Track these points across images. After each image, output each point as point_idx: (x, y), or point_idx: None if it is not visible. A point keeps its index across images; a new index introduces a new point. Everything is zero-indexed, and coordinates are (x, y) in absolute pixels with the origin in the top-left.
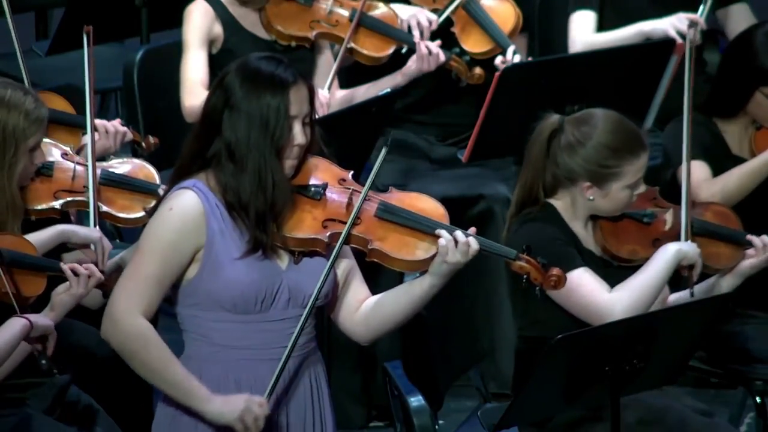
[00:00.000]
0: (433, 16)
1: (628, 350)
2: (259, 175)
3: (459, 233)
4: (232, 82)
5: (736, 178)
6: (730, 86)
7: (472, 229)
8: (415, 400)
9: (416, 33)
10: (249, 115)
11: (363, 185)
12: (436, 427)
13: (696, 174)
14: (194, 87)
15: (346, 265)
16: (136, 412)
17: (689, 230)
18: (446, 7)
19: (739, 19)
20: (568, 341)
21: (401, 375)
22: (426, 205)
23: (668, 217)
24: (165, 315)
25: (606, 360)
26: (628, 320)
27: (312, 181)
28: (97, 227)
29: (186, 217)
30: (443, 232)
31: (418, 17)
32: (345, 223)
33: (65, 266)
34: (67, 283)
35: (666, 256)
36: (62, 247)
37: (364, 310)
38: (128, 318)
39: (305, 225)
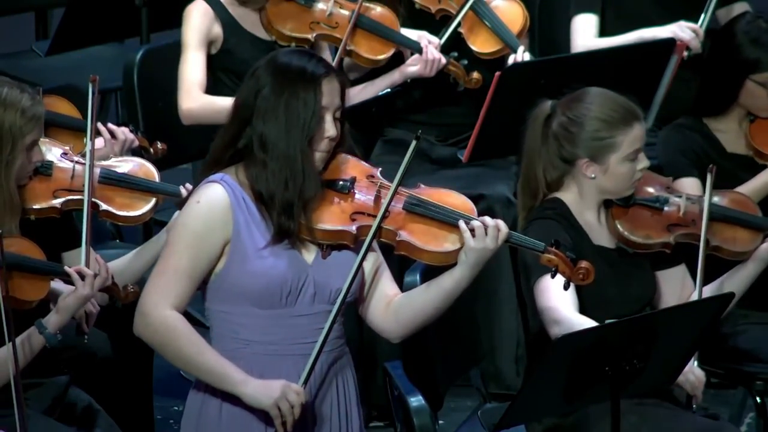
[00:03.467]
0: (435, 39)
1: (628, 350)
2: (289, 164)
3: (487, 218)
4: (263, 76)
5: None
6: (719, 81)
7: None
8: (415, 400)
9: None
10: (281, 106)
11: (390, 182)
12: (436, 427)
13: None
14: (191, 89)
15: (375, 261)
16: (136, 412)
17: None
18: (456, 15)
19: None
20: (568, 341)
21: (401, 375)
22: (455, 200)
23: (682, 202)
24: None
25: (606, 360)
26: (628, 320)
27: (341, 176)
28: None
29: (213, 209)
30: (471, 221)
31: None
32: (373, 216)
33: (70, 269)
34: (72, 286)
35: None
36: (62, 247)
37: (394, 305)
38: (157, 311)
39: (333, 217)
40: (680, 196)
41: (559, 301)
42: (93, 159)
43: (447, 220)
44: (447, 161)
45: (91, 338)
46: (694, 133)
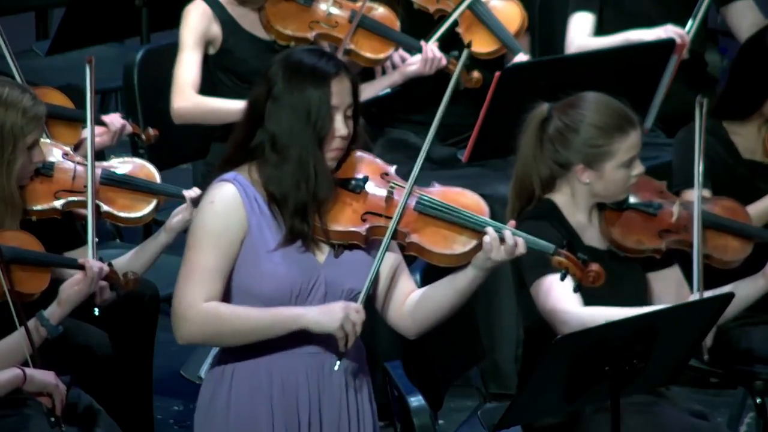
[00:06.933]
0: (439, 53)
1: (628, 350)
2: (302, 165)
3: (507, 233)
4: (275, 74)
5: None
6: (744, 88)
7: (511, 223)
8: (415, 400)
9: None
10: (291, 106)
11: (406, 180)
12: (436, 427)
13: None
14: (184, 89)
15: (393, 260)
16: (136, 412)
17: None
18: (450, 14)
19: (743, 16)
20: (568, 341)
21: (401, 375)
22: (468, 201)
23: (675, 209)
24: (165, 315)
25: (606, 360)
26: (628, 320)
27: (354, 175)
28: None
29: (227, 207)
30: (489, 230)
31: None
32: (384, 216)
33: (86, 259)
34: (75, 278)
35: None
36: (64, 247)
37: (410, 303)
38: (193, 310)
39: (344, 217)
40: (674, 203)
41: (564, 301)
42: (94, 146)
43: (458, 222)
44: (447, 161)
45: (91, 338)
46: (709, 136)
